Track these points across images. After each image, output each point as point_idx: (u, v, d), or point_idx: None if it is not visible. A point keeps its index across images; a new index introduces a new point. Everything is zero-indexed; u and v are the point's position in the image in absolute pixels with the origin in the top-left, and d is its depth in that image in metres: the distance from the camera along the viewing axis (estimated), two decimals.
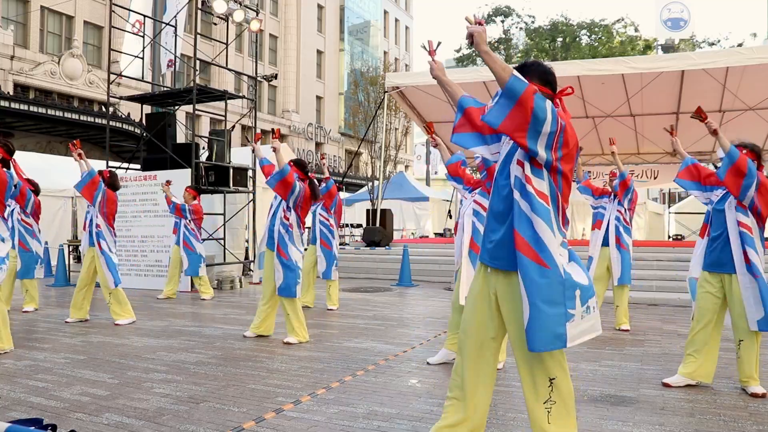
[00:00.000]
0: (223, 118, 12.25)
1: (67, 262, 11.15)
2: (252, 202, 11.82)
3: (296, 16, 36.09)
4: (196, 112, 10.86)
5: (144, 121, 11.88)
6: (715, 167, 4.07)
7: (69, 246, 12.51)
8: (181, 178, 9.95)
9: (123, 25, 13.29)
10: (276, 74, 13.77)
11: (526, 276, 2.43)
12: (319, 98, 38.96)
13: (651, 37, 35.94)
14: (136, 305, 7.26)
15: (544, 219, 2.44)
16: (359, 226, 19.21)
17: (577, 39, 33.78)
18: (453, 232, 4.66)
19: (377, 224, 14.08)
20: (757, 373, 3.98)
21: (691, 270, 4.37)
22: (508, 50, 34.26)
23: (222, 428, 3.21)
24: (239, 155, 12.43)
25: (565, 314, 2.44)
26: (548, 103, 2.36)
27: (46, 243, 11.92)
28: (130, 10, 13.24)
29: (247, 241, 12.68)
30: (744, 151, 3.97)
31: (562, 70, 11.97)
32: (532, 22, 35.23)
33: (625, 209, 6.34)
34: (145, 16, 12.81)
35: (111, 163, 11.06)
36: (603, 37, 33.52)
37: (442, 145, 5.23)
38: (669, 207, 26.91)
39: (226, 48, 12.26)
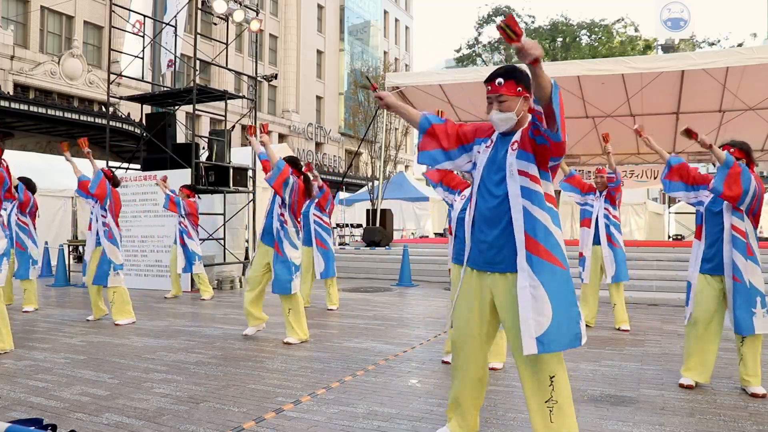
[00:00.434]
0: (223, 118, 12.25)
1: (67, 262, 11.14)
2: (252, 202, 11.82)
3: (296, 16, 36.08)
4: (196, 112, 10.87)
5: (144, 121, 11.87)
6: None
7: (69, 246, 12.51)
8: (181, 178, 9.95)
9: (123, 25, 13.27)
10: (276, 74, 13.77)
11: (544, 278, 2.49)
12: (319, 98, 38.95)
13: (651, 37, 35.98)
14: (136, 305, 7.26)
15: (554, 220, 2.54)
16: (359, 226, 19.20)
17: (577, 39, 33.81)
18: (449, 232, 4.63)
19: (377, 224, 14.08)
20: (757, 373, 3.97)
21: (690, 275, 4.31)
22: (508, 50, 34.25)
23: (222, 428, 3.21)
24: (239, 155, 12.44)
25: (579, 313, 2.56)
26: None
27: (46, 243, 11.96)
28: (130, 10, 13.22)
29: (247, 241, 12.69)
30: (732, 150, 3.95)
31: (562, 70, 11.97)
32: (532, 22, 35.27)
33: (613, 206, 6.25)
34: (145, 16, 12.80)
35: (111, 163, 11.04)
36: (603, 37, 33.55)
37: None
38: (669, 207, 26.91)
39: (226, 48, 12.26)
